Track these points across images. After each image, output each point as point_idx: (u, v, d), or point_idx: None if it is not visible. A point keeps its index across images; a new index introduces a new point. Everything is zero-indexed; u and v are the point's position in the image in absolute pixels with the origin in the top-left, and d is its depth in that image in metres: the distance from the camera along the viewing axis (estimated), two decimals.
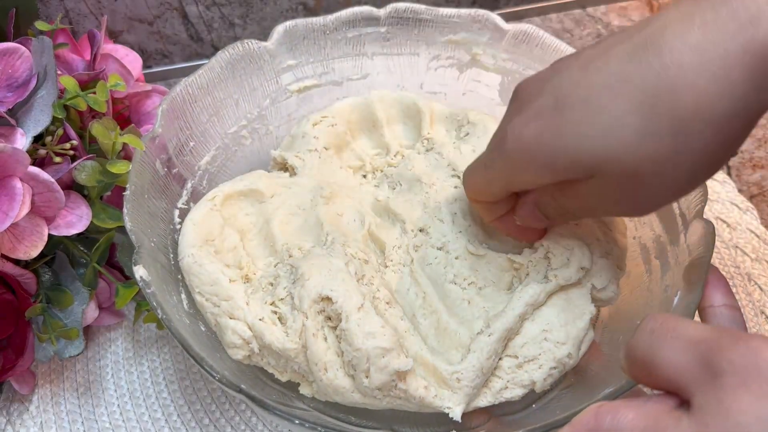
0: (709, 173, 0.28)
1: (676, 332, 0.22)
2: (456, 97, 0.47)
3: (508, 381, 0.35)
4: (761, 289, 0.47)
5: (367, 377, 0.32)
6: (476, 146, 0.42)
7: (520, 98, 0.31)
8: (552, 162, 0.29)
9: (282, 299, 0.35)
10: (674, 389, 0.22)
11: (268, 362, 0.35)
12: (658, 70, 0.26)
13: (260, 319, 0.34)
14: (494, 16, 0.44)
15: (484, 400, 0.35)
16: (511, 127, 0.30)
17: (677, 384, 0.22)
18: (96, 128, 0.38)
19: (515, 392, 0.35)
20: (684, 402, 0.22)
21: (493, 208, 0.35)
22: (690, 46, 0.25)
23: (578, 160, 0.28)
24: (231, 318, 0.35)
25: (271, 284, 0.36)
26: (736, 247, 0.49)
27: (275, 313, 0.35)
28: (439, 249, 0.38)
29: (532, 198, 0.33)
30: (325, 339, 0.34)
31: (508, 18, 0.45)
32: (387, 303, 0.35)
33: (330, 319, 0.34)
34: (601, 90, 0.27)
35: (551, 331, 0.35)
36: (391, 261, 0.38)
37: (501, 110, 0.46)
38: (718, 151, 0.26)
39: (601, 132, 0.27)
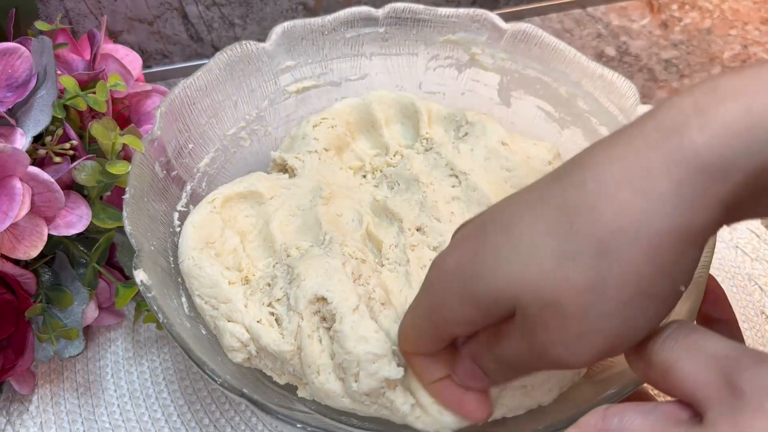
0: (657, 311, 0.23)
1: (700, 345, 0.22)
2: (455, 96, 0.47)
3: (511, 408, 0.34)
4: (761, 289, 0.47)
5: (356, 381, 0.32)
6: (474, 146, 0.42)
7: (455, 235, 0.29)
8: (471, 291, 0.25)
9: (279, 299, 0.35)
10: (689, 401, 0.22)
11: (266, 365, 0.35)
12: (577, 185, 0.23)
13: (258, 321, 0.34)
14: (493, 16, 0.44)
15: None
16: (436, 258, 0.27)
17: (693, 397, 0.22)
18: (96, 129, 0.38)
19: (518, 413, 0.34)
20: (697, 414, 0.22)
21: (429, 367, 0.30)
22: (611, 158, 0.22)
23: (496, 288, 0.24)
24: (229, 321, 0.35)
25: (269, 285, 0.36)
26: (737, 247, 0.49)
27: (272, 314, 0.35)
28: (435, 249, 0.38)
29: (468, 351, 0.29)
30: (320, 341, 0.33)
31: (508, 18, 0.45)
32: (382, 304, 0.35)
33: (325, 320, 0.34)
34: (522, 213, 0.24)
35: None
36: (387, 260, 0.38)
37: (500, 110, 0.47)
38: (656, 279, 0.22)
39: (519, 257, 0.24)
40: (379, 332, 0.33)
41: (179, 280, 0.36)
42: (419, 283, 0.36)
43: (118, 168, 0.37)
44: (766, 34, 0.65)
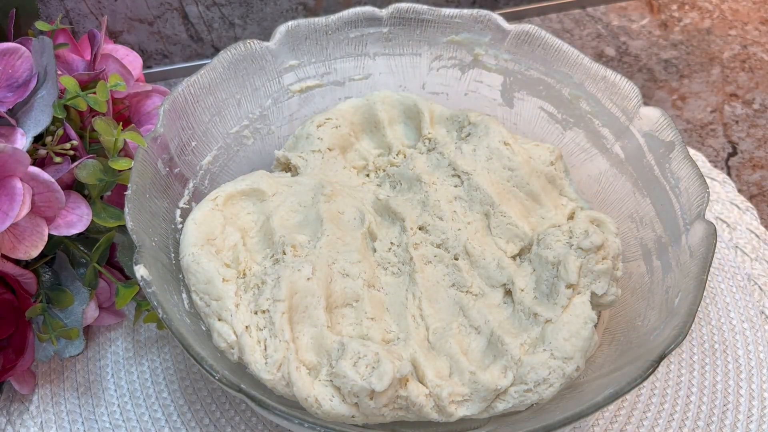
0: None
1: None
2: (458, 97, 0.47)
3: (514, 404, 0.34)
4: (761, 289, 0.48)
5: (372, 400, 0.32)
6: (477, 146, 0.42)
7: None
8: None
9: (264, 311, 0.34)
10: None
11: None
12: None
13: (246, 327, 0.34)
14: (496, 17, 0.44)
15: (485, 414, 0.35)
16: None
17: None
18: (99, 124, 0.37)
19: (519, 409, 0.35)
20: None
21: None
22: None
23: None
24: (219, 320, 0.35)
25: (258, 286, 0.36)
26: (736, 247, 0.50)
27: (260, 330, 0.34)
28: (438, 246, 0.38)
29: None
30: (309, 372, 0.33)
31: (507, 18, 0.45)
32: (372, 319, 0.35)
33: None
34: None
35: (556, 348, 0.34)
36: (389, 263, 0.38)
37: (503, 111, 0.47)
38: None
39: None
40: (367, 345, 0.33)
41: (180, 276, 0.36)
42: (424, 280, 0.37)
43: (121, 164, 0.37)
44: (766, 34, 0.65)
